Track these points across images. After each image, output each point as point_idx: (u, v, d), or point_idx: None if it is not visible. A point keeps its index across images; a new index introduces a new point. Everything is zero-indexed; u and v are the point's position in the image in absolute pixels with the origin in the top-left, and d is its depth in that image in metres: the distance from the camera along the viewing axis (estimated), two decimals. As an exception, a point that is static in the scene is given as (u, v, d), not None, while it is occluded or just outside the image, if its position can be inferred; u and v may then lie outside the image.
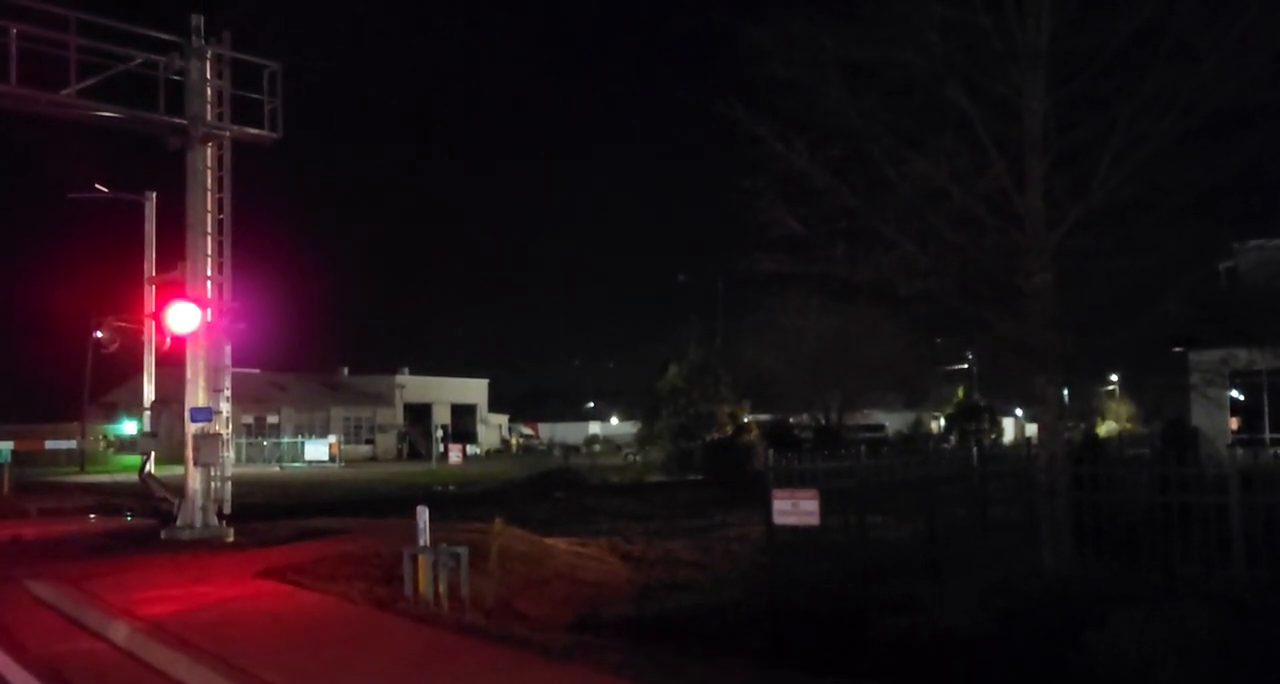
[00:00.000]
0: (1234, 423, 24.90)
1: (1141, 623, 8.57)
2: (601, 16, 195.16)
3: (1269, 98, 10.33)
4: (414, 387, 72.97)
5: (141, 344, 19.27)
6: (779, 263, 12.30)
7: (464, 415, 76.05)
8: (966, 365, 65.89)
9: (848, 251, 11.91)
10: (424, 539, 11.34)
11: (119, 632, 10.00)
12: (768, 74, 11.58)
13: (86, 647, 9.91)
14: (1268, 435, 23.54)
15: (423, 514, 11.63)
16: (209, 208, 17.26)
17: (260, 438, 60.13)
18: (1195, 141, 10.78)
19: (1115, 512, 11.60)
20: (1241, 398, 25.08)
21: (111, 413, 55.24)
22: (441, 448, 55.82)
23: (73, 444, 47.30)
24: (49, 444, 45.90)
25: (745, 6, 11.64)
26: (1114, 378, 59.21)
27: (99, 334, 19.37)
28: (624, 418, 79.16)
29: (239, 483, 19.83)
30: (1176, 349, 20.42)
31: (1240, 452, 14.36)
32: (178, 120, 17.01)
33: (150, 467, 18.73)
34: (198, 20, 17.17)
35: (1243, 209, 11.93)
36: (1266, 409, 24.41)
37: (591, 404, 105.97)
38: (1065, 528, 11.61)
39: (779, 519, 11.94)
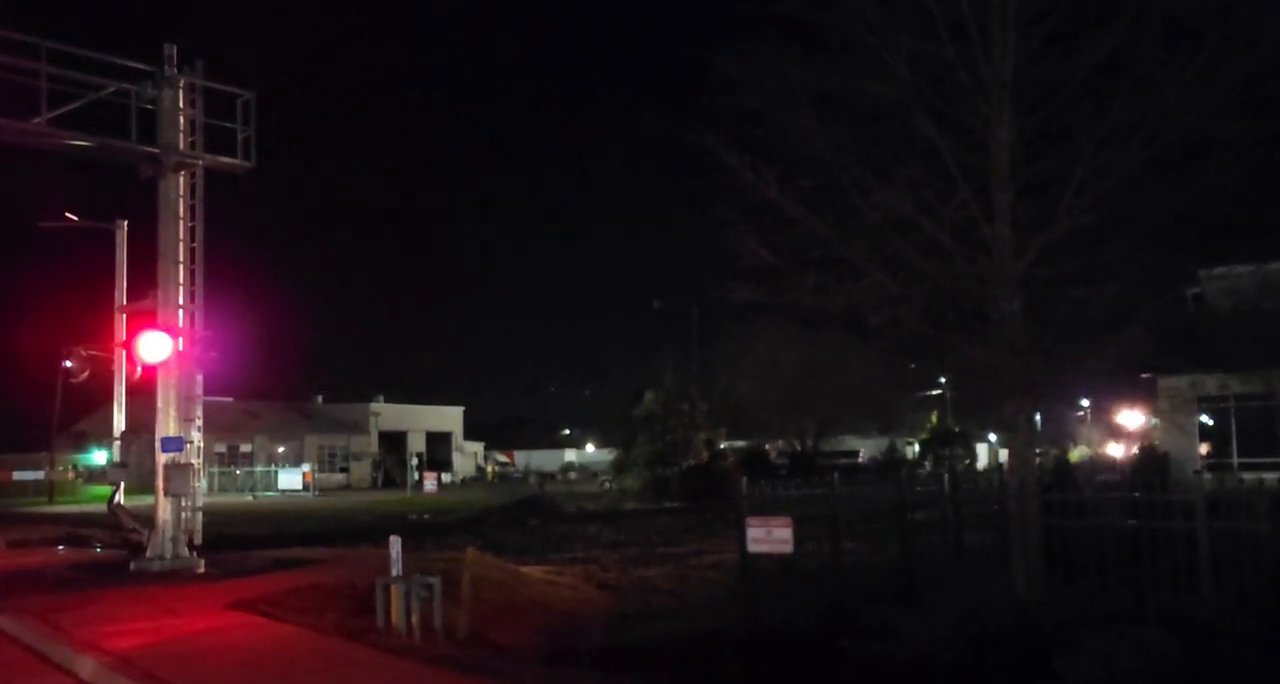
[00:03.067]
0: (1204, 448, 25.14)
1: (1111, 648, 8.62)
2: (572, 45, 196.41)
3: (1228, 128, 10.53)
4: (389, 414, 72.61)
5: (112, 373, 19.11)
6: (751, 293, 12.39)
7: (439, 443, 75.66)
8: (940, 391, 66.23)
9: (819, 280, 12.01)
10: (397, 569, 11.27)
11: (85, 666, 9.88)
12: (738, 104, 11.70)
13: (52, 682, 9.78)
14: (1235, 460, 23.78)
15: (395, 544, 11.58)
16: (181, 236, 17.20)
17: (233, 467, 59.61)
18: (1158, 171, 10.96)
19: (1085, 537, 11.68)
20: (1211, 423, 25.33)
21: (81, 442, 54.63)
22: (416, 476, 55.54)
23: (41, 474, 46.66)
24: (16, 474, 45.23)
25: (716, 37, 11.79)
26: (1085, 403, 59.67)
27: (68, 363, 19.18)
28: (600, 445, 79.05)
29: (211, 513, 19.66)
30: (1145, 375, 20.64)
31: (1208, 477, 14.50)
32: (150, 149, 16.97)
33: (120, 497, 18.55)
34: (170, 49, 17.18)
35: (1206, 237, 12.12)
36: (1234, 434, 24.66)
37: (567, 431, 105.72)
38: (1036, 554, 11.68)
39: (753, 547, 11.94)
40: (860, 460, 61.83)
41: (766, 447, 58.95)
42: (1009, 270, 11.60)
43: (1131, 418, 50.48)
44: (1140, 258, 11.37)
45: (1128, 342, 11.89)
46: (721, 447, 52.50)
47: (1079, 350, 11.93)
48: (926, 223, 11.70)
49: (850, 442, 65.72)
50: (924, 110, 11.56)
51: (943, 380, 59.28)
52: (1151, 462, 24.24)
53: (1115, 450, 56.90)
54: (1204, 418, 24.68)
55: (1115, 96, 10.76)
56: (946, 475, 16.29)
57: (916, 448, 67.76)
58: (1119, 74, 10.78)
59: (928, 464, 55.00)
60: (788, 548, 11.64)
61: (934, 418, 68.65)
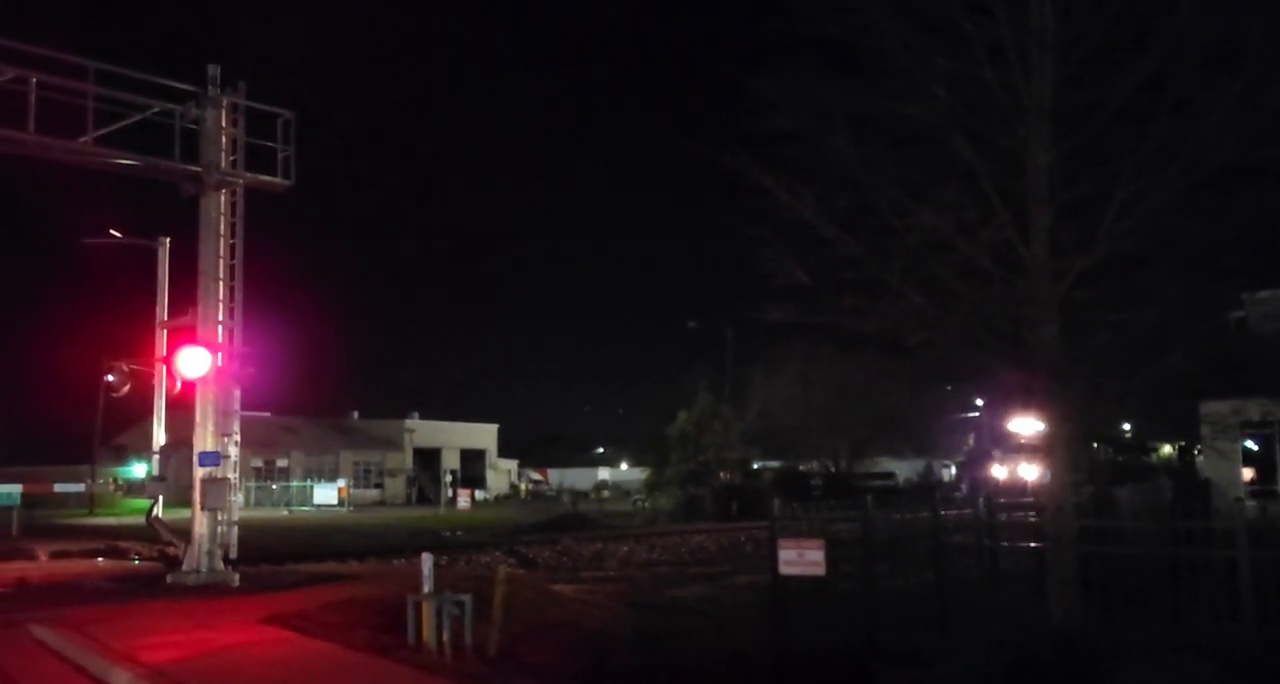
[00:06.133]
0: (1247, 474, 24.72)
1: (1149, 679, 8.47)
2: (614, 65, 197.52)
3: (1270, 154, 10.38)
4: (424, 431, 72.93)
5: (152, 387, 19.36)
6: (787, 313, 12.33)
7: (473, 460, 75.90)
8: (976, 414, 65.59)
9: (854, 301, 11.94)
10: (428, 586, 11.30)
11: (121, 678, 9.97)
12: (774, 124, 11.69)
13: (88, 693, 9.88)
14: (1280, 487, 23.35)
15: (427, 561, 11.61)
16: (221, 253, 17.44)
17: (269, 481, 60.10)
18: (1199, 195, 10.81)
19: (1124, 565, 11.50)
20: (1255, 448, 24.92)
21: (122, 455, 55.30)
22: (450, 492, 55.72)
23: (82, 487, 47.26)
24: (58, 487, 45.74)
25: (752, 58, 11.81)
26: (1126, 427, 58.86)
27: (110, 377, 19.44)
28: (633, 464, 78.95)
29: (247, 526, 19.82)
30: (1187, 400, 20.34)
31: (1251, 504, 14.26)
32: (192, 168, 17.24)
33: (158, 510, 18.74)
34: (214, 70, 17.47)
35: (1249, 261, 11.95)
36: (1279, 461, 24.21)
37: (601, 450, 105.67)
38: (1073, 580, 11.49)
39: (785, 569, 11.87)
40: (896, 482, 61.27)
41: (801, 467, 58.64)
42: (1047, 294, 11.47)
43: (1026, 425, 43.21)
44: (1182, 283, 11.21)
45: (1168, 367, 11.72)
46: (755, 467, 52.30)
47: (1118, 375, 11.78)
48: (963, 245, 11.61)
49: (885, 463, 65.19)
50: (961, 132, 11.49)
51: (980, 403, 58.61)
52: (1192, 487, 23.84)
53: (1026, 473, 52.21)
54: (1248, 443, 24.28)
55: (1155, 120, 10.64)
56: (981, 499, 16.10)
57: (953, 470, 67.08)
58: (1159, 97, 10.66)
59: (964, 487, 54.35)
60: (820, 570, 11.56)
61: (970, 440, 67.96)
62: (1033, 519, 12.54)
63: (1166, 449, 45.15)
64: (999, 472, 52.11)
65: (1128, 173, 10.84)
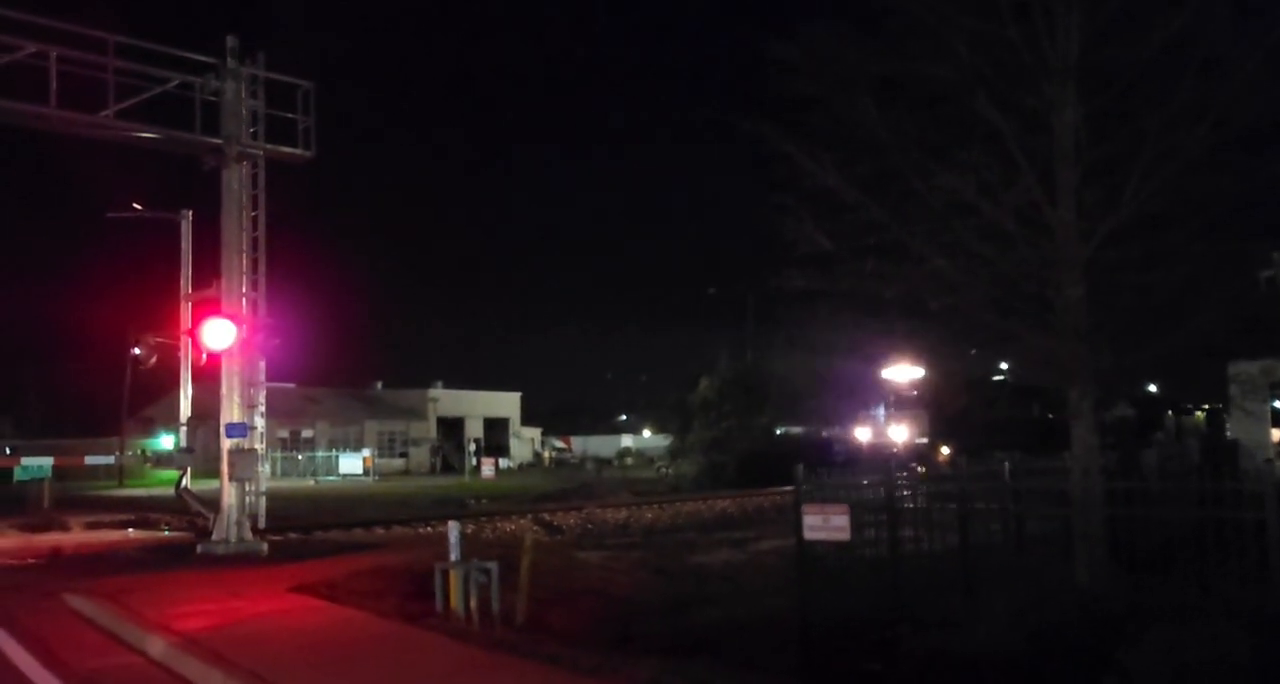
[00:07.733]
0: (1276, 435, 24.53)
1: (1176, 642, 8.45)
2: (632, 30, 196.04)
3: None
4: (447, 400, 73.25)
5: (178, 359, 19.51)
6: (809, 279, 12.27)
7: (496, 429, 76.22)
8: (1001, 378, 65.22)
9: (877, 266, 11.87)
10: (455, 554, 11.40)
11: (155, 646, 10.13)
12: (795, 89, 11.58)
13: (123, 661, 10.04)
14: (1309, 448, 23.15)
15: (454, 529, 11.71)
16: (243, 225, 17.49)
17: (295, 451, 60.58)
18: (1228, 154, 10.66)
19: (1151, 527, 11.45)
20: (1286, 410, 24.70)
21: (150, 427, 55.84)
22: (474, 461, 55.99)
23: (111, 459, 47.83)
24: (88, 459, 46.34)
25: (772, 22, 11.69)
26: (1153, 388, 58.38)
27: (136, 350, 19.59)
28: (656, 431, 79.03)
29: (274, 497, 20.02)
30: (1214, 361, 20.13)
31: (1280, 465, 14.12)
32: (213, 140, 17.25)
33: (187, 481, 18.94)
34: (233, 42, 17.44)
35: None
36: (1309, 421, 24.02)
37: (624, 417, 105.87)
38: (1099, 544, 11.46)
39: (809, 534, 11.88)
40: (923, 446, 61.08)
41: (824, 433, 58.59)
42: (1073, 255, 11.36)
43: (901, 372, 37.48)
44: (1209, 242, 11.08)
45: (1196, 328, 11.60)
46: (778, 432, 52.31)
47: (1145, 337, 11.68)
48: (988, 207, 11.50)
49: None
50: (985, 92, 11.33)
51: (1004, 367, 58.25)
52: (1219, 449, 23.74)
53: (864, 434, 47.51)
54: (1277, 404, 24.07)
55: (1183, 77, 10.48)
56: (1006, 463, 16.05)
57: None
58: (1187, 54, 10.49)
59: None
60: (845, 536, 11.57)
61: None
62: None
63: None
64: (862, 433, 49.03)
65: (1155, 131, 10.68)
